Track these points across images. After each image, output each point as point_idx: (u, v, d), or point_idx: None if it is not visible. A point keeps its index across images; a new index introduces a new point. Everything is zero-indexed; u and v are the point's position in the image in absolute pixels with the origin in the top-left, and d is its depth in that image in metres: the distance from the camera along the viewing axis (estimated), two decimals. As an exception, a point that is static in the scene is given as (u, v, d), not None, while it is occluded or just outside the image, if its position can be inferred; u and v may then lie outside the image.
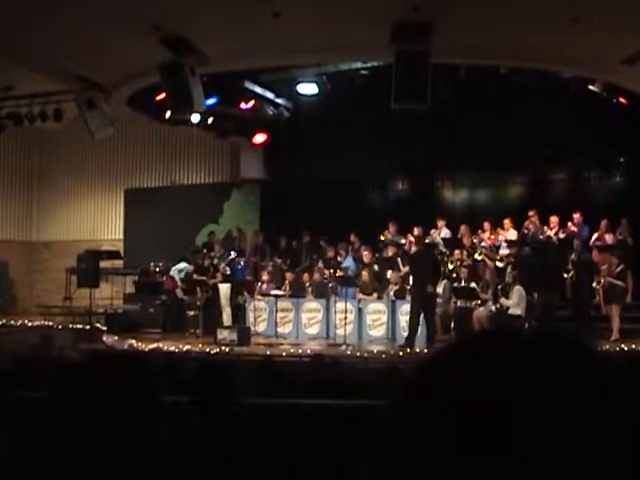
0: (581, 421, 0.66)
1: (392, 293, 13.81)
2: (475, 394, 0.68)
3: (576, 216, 13.86)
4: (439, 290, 13.68)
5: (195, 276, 14.85)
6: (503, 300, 12.83)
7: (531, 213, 14.08)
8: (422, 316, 12.32)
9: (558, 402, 0.66)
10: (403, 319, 13.27)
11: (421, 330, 13.14)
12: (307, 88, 15.20)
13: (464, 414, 0.67)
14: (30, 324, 15.89)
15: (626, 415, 0.68)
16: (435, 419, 0.69)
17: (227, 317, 14.54)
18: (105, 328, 14.70)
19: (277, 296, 14.29)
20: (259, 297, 14.70)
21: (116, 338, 13.73)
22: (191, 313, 14.78)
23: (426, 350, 11.85)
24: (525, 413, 0.66)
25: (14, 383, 4.89)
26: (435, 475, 0.67)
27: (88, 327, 14.71)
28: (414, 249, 13.38)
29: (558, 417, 0.66)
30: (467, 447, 0.66)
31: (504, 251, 13.95)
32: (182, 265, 15.15)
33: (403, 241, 14.88)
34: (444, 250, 14.43)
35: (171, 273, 15.18)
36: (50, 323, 15.83)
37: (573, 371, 0.69)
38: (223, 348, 12.22)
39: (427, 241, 14.65)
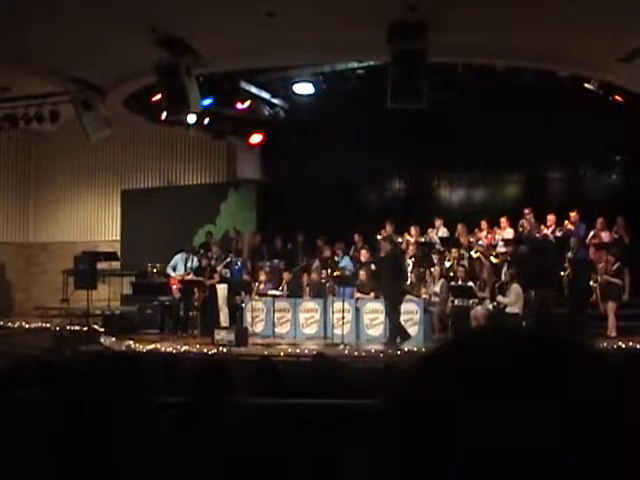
0: (580, 420, 0.66)
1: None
2: (472, 392, 0.68)
3: (573, 214, 13.87)
4: (436, 289, 13.70)
5: (192, 277, 14.84)
6: (500, 298, 12.84)
7: (527, 211, 14.09)
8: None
9: (556, 401, 0.66)
10: (401, 318, 13.27)
11: (418, 329, 13.17)
12: (303, 88, 15.19)
13: (462, 413, 0.67)
14: (27, 326, 15.86)
15: (625, 414, 0.68)
16: (432, 418, 0.69)
17: (224, 317, 14.52)
18: (103, 329, 14.67)
19: (274, 296, 14.28)
20: (256, 297, 14.69)
21: (114, 339, 13.71)
22: (189, 314, 14.78)
23: (423, 349, 11.88)
24: (523, 412, 0.66)
25: (13, 384, 4.89)
26: (433, 474, 0.67)
27: (86, 329, 14.68)
28: (385, 250, 13.37)
29: (557, 416, 0.66)
30: (465, 446, 0.66)
31: (501, 249, 13.97)
32: (173, 262, 15.10)
33: (400, 240, 14.89)
34: (441, 249, 14.44)
35: (169, 273, 15.16)
36: (47, 325, 15.80)
37: (571, 369, 0.69)
38: (221, 348, 12.21)
39: (423, 240, 14.71)
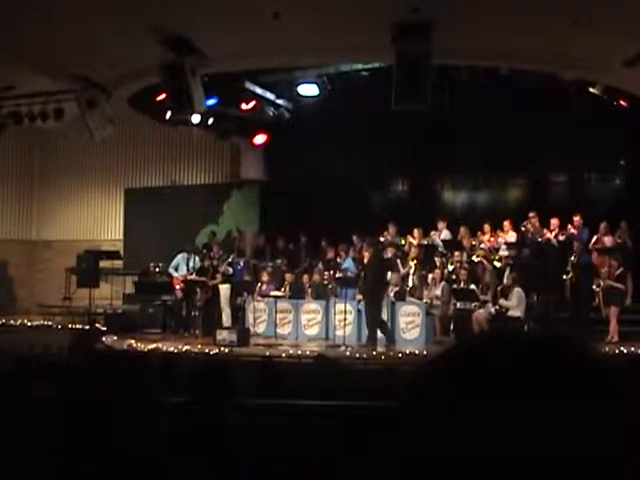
0: (581, 422, 0.66)
1: (392, 294, 13.80)
2: (476, 396, 0.68)
3: (576, 219, 13.84)
4: (437, 292, 13.69)
5: (194, 277, 14.84)
6: (502, 302, 12.83)
7: (531, 214, 14.08)
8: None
9: (559, 404, 0.67)
10: (403, 321, 13.29)
11: (420, 332, 13.17)
12: (308, 89, 15.20)
13: (466, 416, 0.67)
14: (30, 324, 15.88)
15: (626, 417, 0.68)
16: (437, 421, 0.69)
17: (227, 318, 14.53)
18: (105, 328, 14.69)
19: (277, 297, 14.29)
20: (259, 298, 14.70)
21: (115, 338, 13.72)
22: (191, 314, 14.79)
23: (425, 352, 11.90)
24: (526, 415, 0.66)
25: (14, 383, 4.89)
26: (437, 475, 0.67)
27: (88, 327, 14.70)
28: (367, 254, 13.34)
29: (559, 418, 0.66)
30: (469, 448, 0.66)
31: (503, 253, 13.96)
32: (175, 262, 15.11)
33: (403, 242, 14.91)
34: (444, 252, 14.44)
35: (171, 273, 15.17)
36: (49, 323, 15.82)
37: (573, 373, 0.69)
38: (222, 349, 12.21)
39: (425, 242, 14.71)
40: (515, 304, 12.67)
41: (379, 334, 12.79)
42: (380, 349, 12.48)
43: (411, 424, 0.71)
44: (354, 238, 15.43)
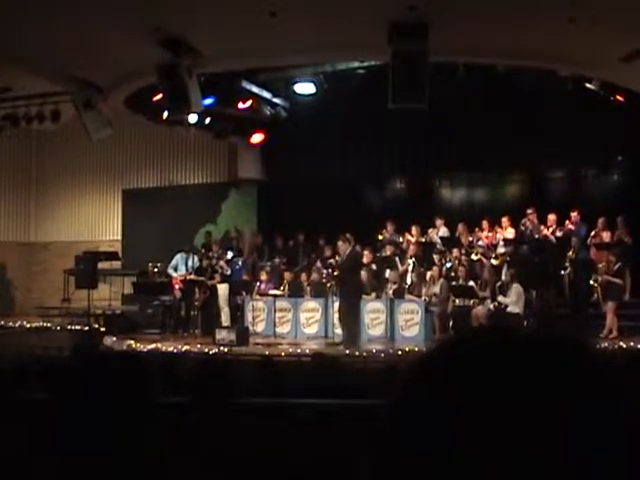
0: (579, 420, 0.66)
1: (391, 292, 13.81)
2: (472, 392, 0.68)
3: (574, 214, 13.86)
4: (436, 289, 13.68)
5: (193, 276, 14.83)
6: (501, 298, 12.84)
7: (529, 211, 14.08)
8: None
9: (556, 401, 0.66)
10: (402, 318, 13.28)
11: (419, 329, 13.17)
12: (304, 88, 15.18)
13: (462, 413, 0.67)
14: (28, 325, 15.86)
15: (625, 414, 0.68)
16: (433, 418, 0.69)
17: (225, 317, 14.53)
18: (104, 329, 14.68)
19: (275, 296, 14.29)
20: (257, 297, 14.69)
21: (115, 339, 13.72)
22: (190, 313, 14.78)
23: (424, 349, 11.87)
24: (523, 412, 0.66)
25: (15, 384, 4.89)
26: (433, 474, 0.67)
27: (87, 328, 14.69)
28: (347, 252, 13.28)
29: (556, 416, 0.66)
30: (465, 446, 0.66)
31: (502, 249, 13.96)
32: (174, 262, 15.08)
33: (401, 240, 14.92)
34: (442, 249, 14.43)
35: (170, 273, 15.15)
36: (48, 324, 15.80)
37: (571, 370, 0.69)
38: (222, 348, 12.20)
39: (423, 240, 14.70)
40: (514, 300, 12.68)
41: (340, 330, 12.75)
42: (379, 347, 12.48)
43: (405, 422, 0.71)
44: (347, 236, 15.40)
